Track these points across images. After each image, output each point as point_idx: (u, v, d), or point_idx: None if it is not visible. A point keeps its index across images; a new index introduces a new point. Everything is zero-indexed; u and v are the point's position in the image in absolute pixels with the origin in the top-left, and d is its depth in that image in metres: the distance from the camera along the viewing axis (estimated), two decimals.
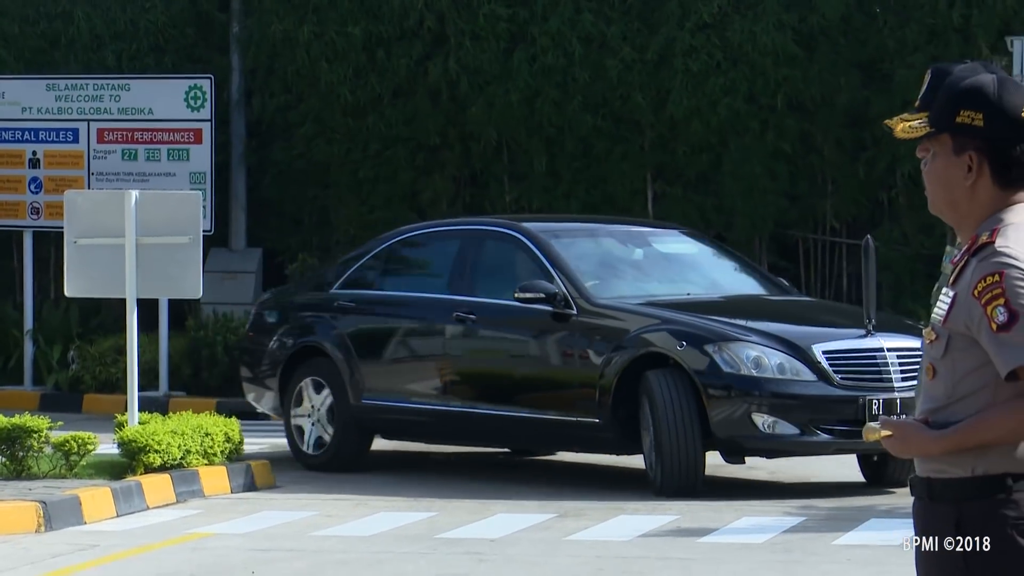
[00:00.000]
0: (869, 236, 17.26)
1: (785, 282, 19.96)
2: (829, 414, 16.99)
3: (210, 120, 25.23)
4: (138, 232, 17.54)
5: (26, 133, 25.59)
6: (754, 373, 16.94)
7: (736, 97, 24.55)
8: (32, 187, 25.42)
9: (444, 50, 25.43)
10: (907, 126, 5.70)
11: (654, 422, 16.86)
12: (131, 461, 17.08)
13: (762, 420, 16.83)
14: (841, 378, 16.90)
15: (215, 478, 17.61)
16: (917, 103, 5.80)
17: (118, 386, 19.11)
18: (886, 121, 5.86)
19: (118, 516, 16.25)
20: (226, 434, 17.87)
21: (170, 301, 22.83)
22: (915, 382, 15.88)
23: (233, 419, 18.15)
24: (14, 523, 15.83)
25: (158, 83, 25.57)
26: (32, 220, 25.15)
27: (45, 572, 14.33)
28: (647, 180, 24.92)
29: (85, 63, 25.90)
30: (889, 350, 16.98)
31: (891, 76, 23.94)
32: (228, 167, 25.96)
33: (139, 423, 17.47)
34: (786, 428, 16.82)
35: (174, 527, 16.06)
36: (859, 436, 15.85)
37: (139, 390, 18.28)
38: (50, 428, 17.34)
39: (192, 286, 17.81)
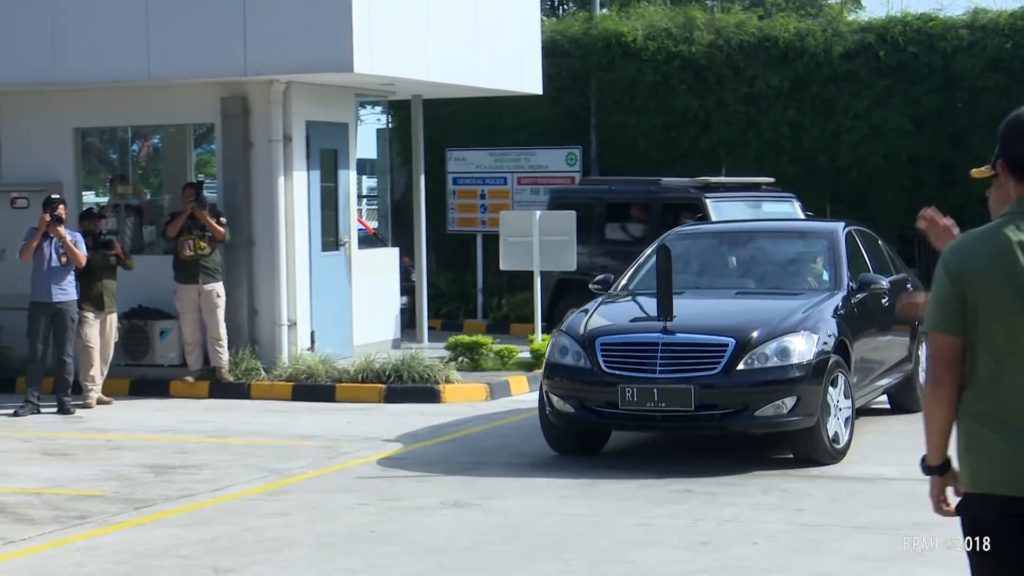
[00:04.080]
0: (665, 243, 12.99)
1: (868, 279, 13.22)
2: (597, 397, 11.81)
3: (579, 172, 25.35)
4: (540, 234, 17.72)
5: (477, 180, 25.86)
6: (558, 360, 12.14)
7: (877, 155, 24.22)
8: (481, 210, 25.72)
9: (709, 131, 25.35)
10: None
11: None
12: (537, 361, 17.25)
13: (555, 399, 12.10)
14: (608, 367, 11.75)
15: None
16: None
17: (529, 318, 19.29)
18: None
19: (530, 392, 16.32)
20: None
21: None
22: (688, 374, 11.51)
23: None
24: (472, 395, 16.12)
25: (550, 151, 25.70)
26: (481, 228, 25.44)
27: (491, 422, 14.54)
28: (825, 203, 24.60)
29: (510, 140, 26.12)
30: (664, 345, 11.62)
31: (968, 142, 23.48)
32: None
33: (541, 339, 17.64)
34: (567, 407, 11.99)
35: None
36: (623, 418, 11.81)
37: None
38: (492, 343, 17.61)
39: (570, 263, 17.92)
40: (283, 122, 17.03)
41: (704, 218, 18.51)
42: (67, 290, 15.81)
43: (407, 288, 21.43)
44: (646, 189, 20.31)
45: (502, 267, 18.47)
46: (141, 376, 17.00)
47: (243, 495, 11.12)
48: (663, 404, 11.54)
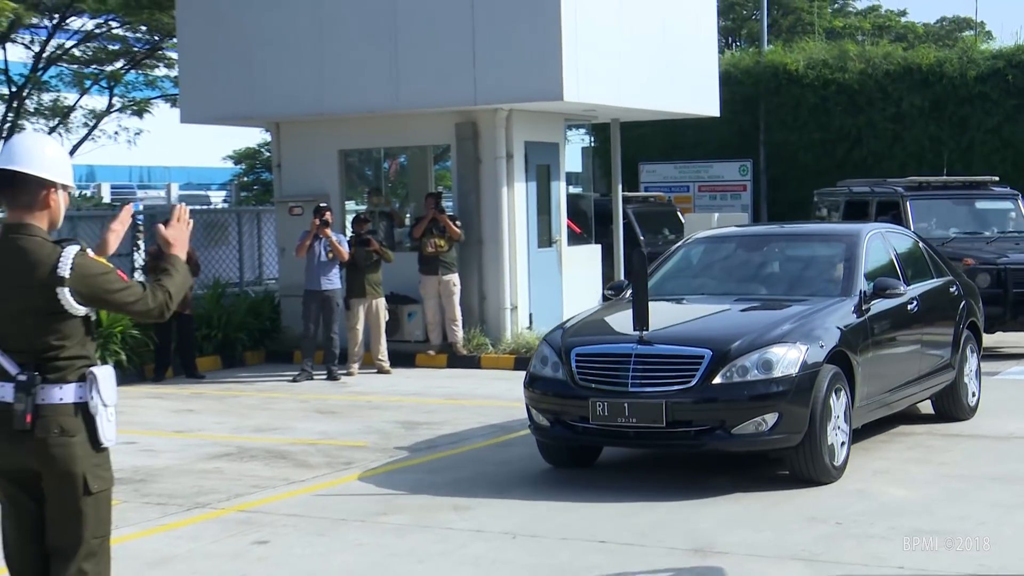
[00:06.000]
0: (640, 247, 9.28)
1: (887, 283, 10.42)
2: (571, 411, 9.42)
3: (750, 180, 25.20)
4: None
5: (665, 188, 25.78)
6: (538, 371, 9.78)
7: (1006, 164, 23.71)
8: None
9: (860, 145, 25.04)
10: None
11: None
12: None
13: (534, 412, 9.82)
14: (581, 379, 9.38)
15: None
16: None
17: None
18: None
19: None
20: None
21: None
22: (661, 388, 9.10)
23: None
24: None
25: (724, 164, 25.62)
26: None
27: None
28: None
29: (691, 155, 26.09)
30: (638, 356, 9.16)
31: None
32: (759, 201, 25.93)
33: None
34: (543, 420, 9.70)
35: None
36: (595, 434, 9.40)
37: None
38: None
39: None
40: (506, 142, 17.25)
41: (897, 217, 17.12)
42: (333, 280, 16.28)
43: None
44: (870, 189, 18.82)
45: None
46: (393, 350, 17.34)
47: (477, 446, 11.28)
48: (634, 419, 9.17)
